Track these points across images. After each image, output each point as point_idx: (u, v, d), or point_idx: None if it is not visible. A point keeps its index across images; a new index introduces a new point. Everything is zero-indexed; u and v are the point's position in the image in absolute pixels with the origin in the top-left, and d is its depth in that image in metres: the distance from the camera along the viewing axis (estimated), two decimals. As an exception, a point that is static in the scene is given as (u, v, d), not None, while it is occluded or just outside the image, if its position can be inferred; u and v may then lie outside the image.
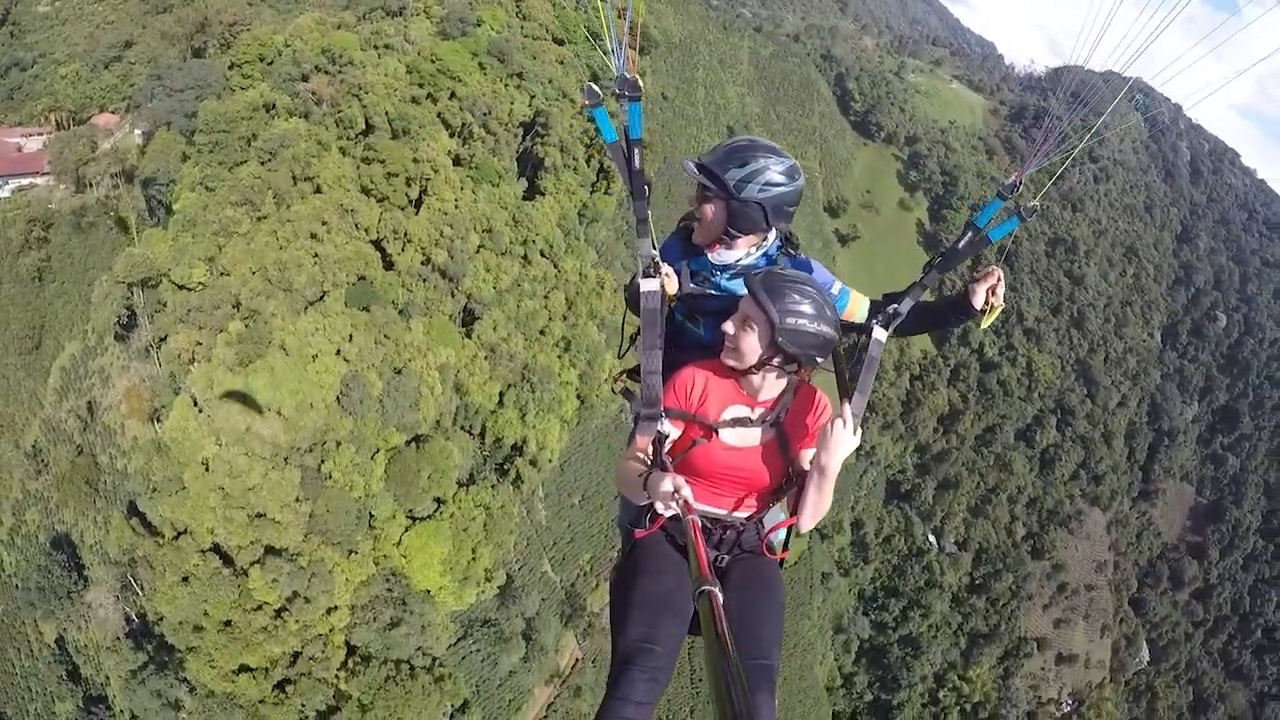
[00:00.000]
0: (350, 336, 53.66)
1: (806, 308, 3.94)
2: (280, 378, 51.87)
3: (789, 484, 4.32)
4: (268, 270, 53.50)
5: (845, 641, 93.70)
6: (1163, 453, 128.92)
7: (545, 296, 63.18)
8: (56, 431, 58.01)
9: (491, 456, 59.81)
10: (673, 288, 4.60)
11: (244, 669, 51.53)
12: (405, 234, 57.36)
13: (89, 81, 72.80)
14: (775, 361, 4.06)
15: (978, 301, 4.56)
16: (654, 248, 4.52)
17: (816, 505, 4.16)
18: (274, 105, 59.44)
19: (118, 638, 52.95)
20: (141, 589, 52.08)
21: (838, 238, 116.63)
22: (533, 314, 61.82)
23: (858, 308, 4.79)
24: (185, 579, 50.46)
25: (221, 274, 54.40)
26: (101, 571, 53.18)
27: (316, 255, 54.31)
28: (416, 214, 58.71)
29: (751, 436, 4.29)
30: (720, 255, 4.60)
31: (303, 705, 53.13)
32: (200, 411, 51.81)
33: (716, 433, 4.25)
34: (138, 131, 67.48)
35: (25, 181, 68.33)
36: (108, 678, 53.84)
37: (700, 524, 3.76)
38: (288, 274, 53.37)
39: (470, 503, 56.45)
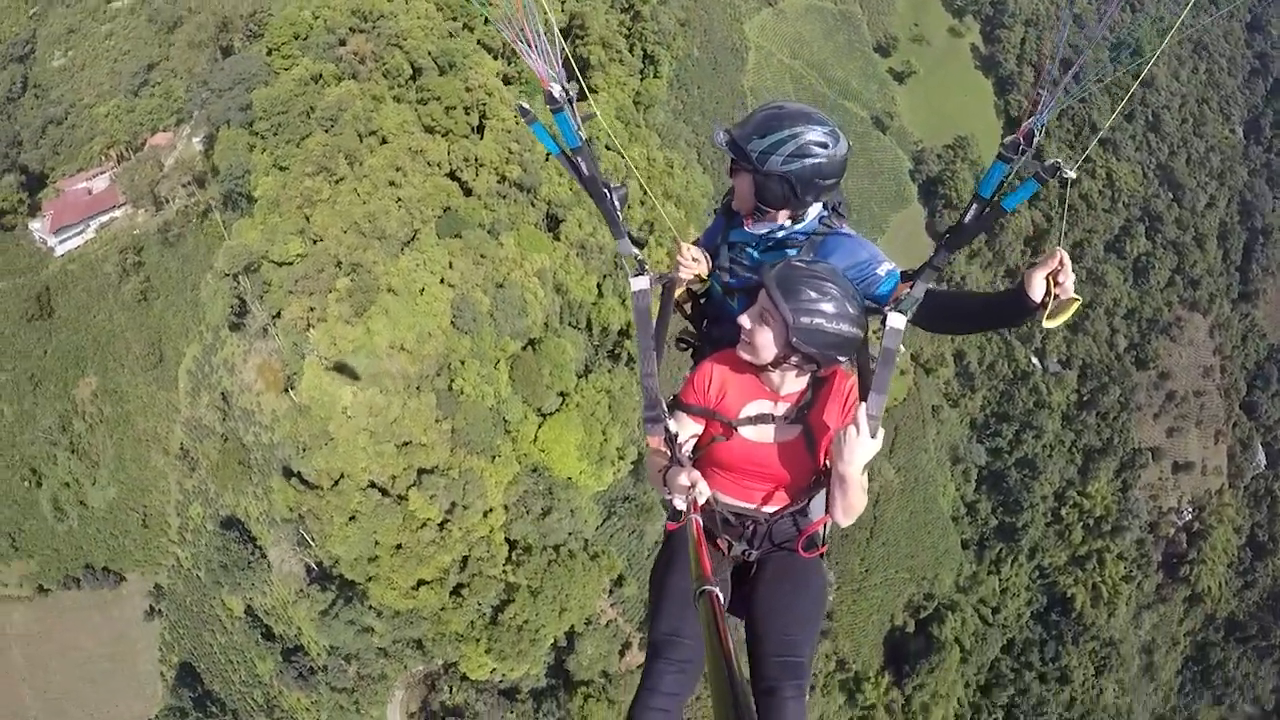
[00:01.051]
0: (450, 264, 58.53)
1: (826, 306, 3.80)
2: (396, 316, 56.90)
3: (820, 479, 4.30)
4: (358, 225, 58.31)
5: (964, 470, 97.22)
6: (1259, 251, 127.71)
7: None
8: (199, 429, 63.34)
9: (601, 345, 64.88)
10: (702, 270, 4.63)
11: (421, 583, 57.71)
12: (476, 159, 61.95)
13: (131, 110, 76.91)
14: (792, 360, 3.99)
15: (1036, 292, 3.76)
16: (633, 246, 4.53)
17: (847, 506, 4.09)
18: (321, 75, 63.46)
19: (300, 589, 58.78)
20: (313, 540, 57.69)
21: (894, 76, 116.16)
22: None
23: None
24: (352, 518, 55.96)
25: (315, 241, 58.97)
26: (274, 534, 58.70)
27: (399, 199, 59.14)
28: (481, 139, 63.19)
29: (776, 432, 4.27)
30: (755, 226, 4.57)
31: (479, 603, 59.57)
32: (331, 367, 56.99)
33: (736, 430, 4.27)
34: (196, 139, 71.61)
35: (105, 218, 71.81)
36: (299, 628, 60.02)
37: (704, 525, 3.80)
38: (378, 223, 58.22)
39: (592, 390, 61.79)
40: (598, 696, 64.78)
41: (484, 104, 63.99)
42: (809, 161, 4.14)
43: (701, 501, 3.88)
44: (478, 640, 60.94)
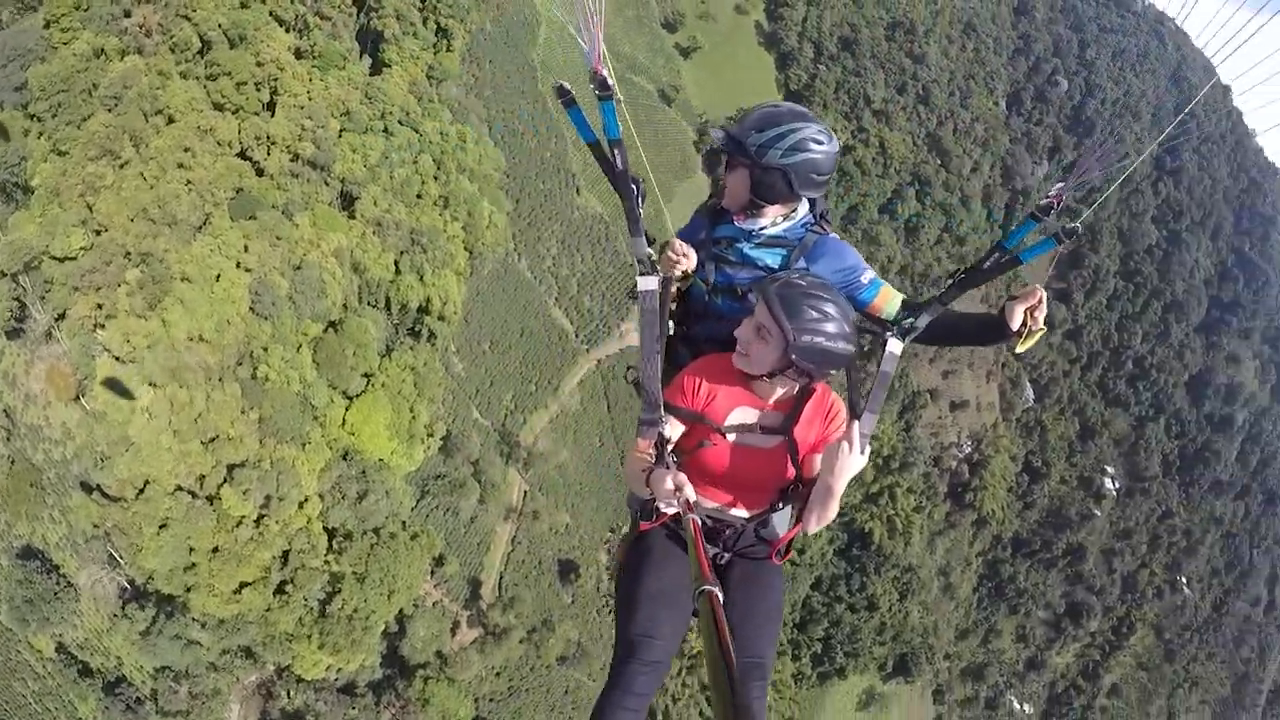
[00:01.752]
0: (245, 247, 57.66)
1: (827, 326, 3.96)
2: (192, 305, 55.35)
3: (797, 488, 4.44)
4: (146, 211, 56.11)
5: None
6: (1018, 209, 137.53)
7: (414, 162, 68.05)
8: (-24, 456, 58.44)
9: (401, 323, 65.83)
10: (690, 265, 4.71)
11: (243, 586, 56.44)
12: (268, 137, 61.23)
13: None
14: (788, 373, 4.12)
15: (1015, 322, 4.38)
16: (648, 246, 4.54)
17: (821, 516, 4.24)
18: (104, 50, 60.24)
19: (115, 613, 55.91)
20: (122, 557, 55.02)
21: (679, 52, 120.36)
22: (406, 181, 66.79)
23: (887, 303, 4.73)
24: (163, 526, 53.68)
25: (100, 231, 56.07)
26: (79, 558, 55.42)
27: (189, 182, 57.66)
28: (273, 116, 62.50)
29: (759, 440, 4.38)
30: (746, 222, 4.68)
31: (305, 598, 59.00)
32: (124, 364, 54.53)
33: (723, 435, 4.37)
34: (-44, 127, 67.11)
35: None
36: (118, 657, 56.83)
37: (701, 522, 3.94)
38: (167, 208, 56.32)
39: (396, 368, 62.73)
40: (436, 677, 66.01)
41: (275, 79, 63.06)
42: (806, 156, 4.39)
43: (688, 503, 3.93)
44: (309, 637, 60.18)
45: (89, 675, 56.98)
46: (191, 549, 54.94)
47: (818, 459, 4.31)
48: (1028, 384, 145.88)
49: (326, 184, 63.50)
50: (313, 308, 59.13)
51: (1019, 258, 4.40)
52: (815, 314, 3.95)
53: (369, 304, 63.41)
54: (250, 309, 57.28)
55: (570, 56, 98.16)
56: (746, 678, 3.99)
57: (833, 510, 4.21)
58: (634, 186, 4.38)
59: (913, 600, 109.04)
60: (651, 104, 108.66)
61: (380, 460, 62.23)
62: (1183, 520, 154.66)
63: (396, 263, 64.79)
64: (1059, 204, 4.05)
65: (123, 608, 55.81)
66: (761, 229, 4.66)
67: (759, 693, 4.04)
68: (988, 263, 4.48)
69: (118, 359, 54.20)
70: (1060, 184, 4.02)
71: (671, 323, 4.98)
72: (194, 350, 55.60)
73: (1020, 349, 4.51)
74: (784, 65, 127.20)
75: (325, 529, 60.53)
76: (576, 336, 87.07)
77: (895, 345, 4.52)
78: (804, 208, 4.74)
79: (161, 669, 57.19)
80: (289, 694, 62.09)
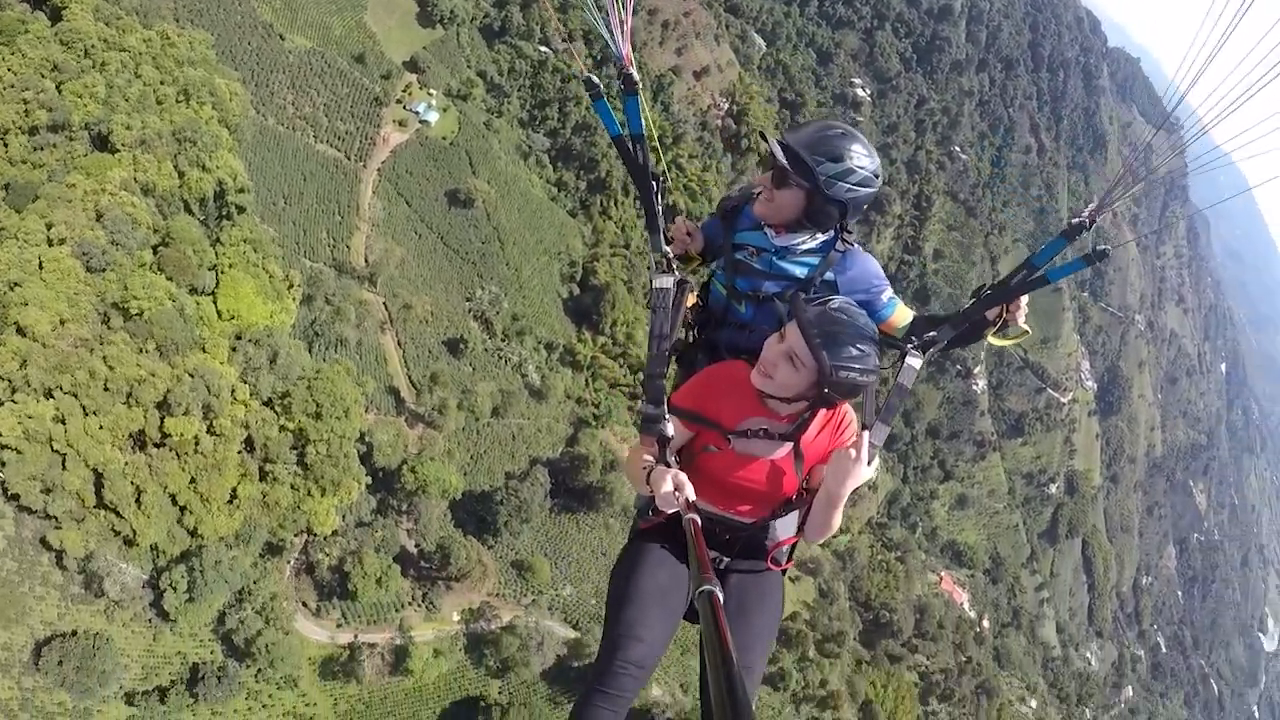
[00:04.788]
0: (48, 225, 63.69)
1: (864, 362, 4.06)
2: (40, 300, 60.04)
3: (801, 497, 4.61)
4: None
5: (536, 159, 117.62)
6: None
7: (137, 76, 74.90)
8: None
9: (210, 213, 74.93)
10: (695, 247, 5.03)
11: (234, 491, 65.85)
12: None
13: None
14: (810, 398, 4.26)
15: (990, 313, 4.66)
16: (666, 244, 4.81)
17: (823, 526, 4.44)
18: None
19: (138, 597, 63.48)
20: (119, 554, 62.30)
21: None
22: (142, 95, 74.11)
23: (900, 320, 4.89)
24: (137, 500, 61.13)
25: None
26: (99, 587, 60.99)
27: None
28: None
29: (766, 449, 4.52)
30: (783, 238, 4.80)
31: (285, 465, 68.46)
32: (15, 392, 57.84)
33: (729, 441, 4.51)
34: None
35: None
36: (179, 653, 64.26)
37: (701, 523, 3.93)
38: None
39: (231, 248, 72.52)
40: (418, 465, 77.86)
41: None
42: (867, 191, 4.56)
43: (687, 503, 4.02)
44: (308, 493, 69.26)
45: (164, 695, 63.63)
46: (173, 497, 62.78)
47: (824, 469, 4.41)
48: (754, 34, 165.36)
49: (71, 139, 69.60)
50: (134, 240, 66.55)
51: (1047, 277, 4.52)
52: (855, 351, 4.04)
53: (176, 211, 71.76)
54: (87, 270, 63.62)
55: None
56: None
57: (836, 522, 4.43)
58: (655, 183, 4.62)
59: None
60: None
61: (266, 326, 72.12)
62: (938, 101, 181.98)
63: (176, 167, 72.42)
64: (1091, 224, 4.20)
65: (143, 590, 63.82)
66: (798, 244, 4.79)
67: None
68: (1015, 280, 4.58)
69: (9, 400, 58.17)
70: (1092, 205, 4.19)
71: (691, 330, 5.25)
72: (63, 334, 60.85)
73: (998, 342, 4.79)
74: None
75: (265, 403, 69.41)
76: (349, 159, 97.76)
77: (916, 360, 4.70)
78: None
79: (221, 616, 66.58)
80: (325, 554, 72.77)
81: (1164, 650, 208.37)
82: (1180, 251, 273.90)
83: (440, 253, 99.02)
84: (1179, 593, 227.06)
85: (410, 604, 76.78)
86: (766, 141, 4.60)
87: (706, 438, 4.57)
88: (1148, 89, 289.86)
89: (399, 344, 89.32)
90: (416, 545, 78.55)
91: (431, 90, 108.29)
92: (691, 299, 5.01)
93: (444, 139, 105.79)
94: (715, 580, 2.77)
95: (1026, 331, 4.71)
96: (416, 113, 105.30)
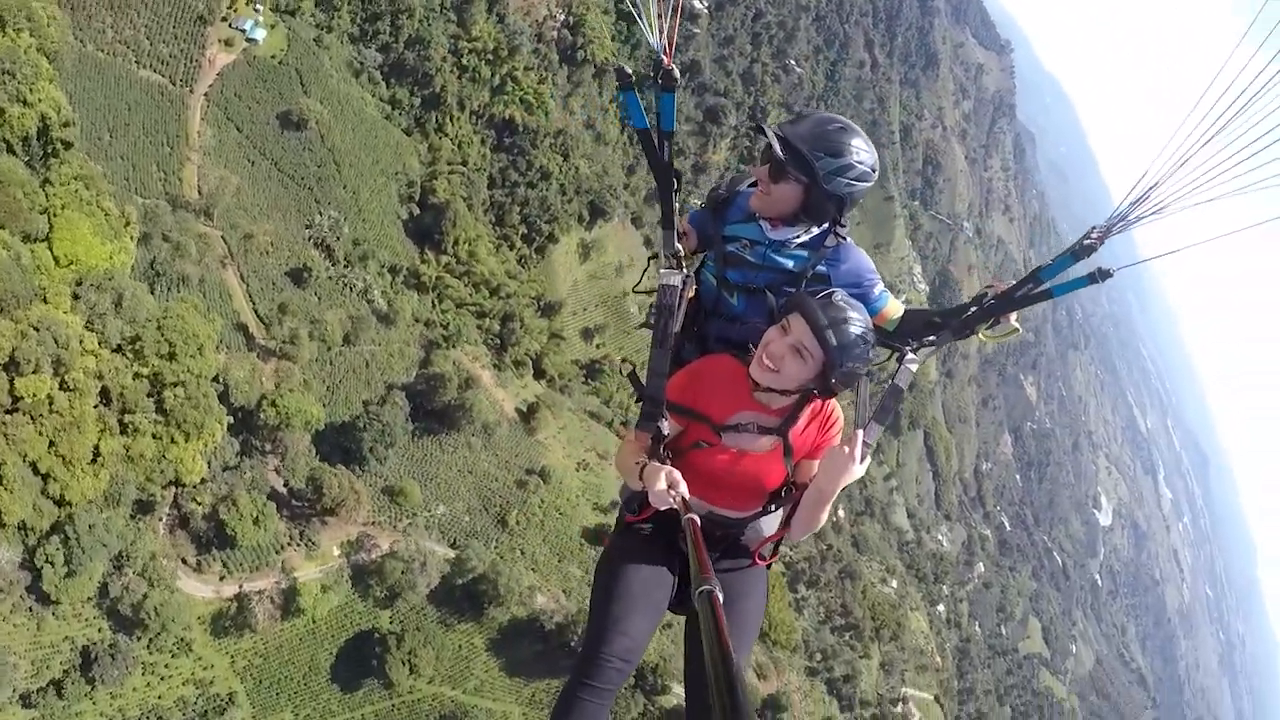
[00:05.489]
0: None
1: (866, 354, 4.23)
2: None
3: (788, 492, 4.66)
4: None
5: (369, 76, 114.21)
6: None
7: None
8: None
9: (35, 151, 71.54)
10: (689, 245, 5.02)
11: (96, 448, 64.35)
12: None
13: None
14: (810, 390, 4.37)
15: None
16: (679, 242, 4.77)
17: (810, 522, 4.49)
18: None
19: (14, 581, 62.20)
20: None
21: None
22: None
23: (892, 313, 5.02)
24: None
25: None
26: None
27: None
28: None
29: (756, 443, 4.58)
30: (778, 231, 4.87)
31: (144, 413, 67.61)
32: None
33: (719, 436, 4.57)
34: None
35: None
36: (66, 638, 64.06)
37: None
38: None
39: (62, 186, 70.06)
40: (278, 399, 77.94)
41: None
42: (864, 185, 4.62)
43: (684, 501, 4.05)
44: (171, 440, 68.20)
45: (59, 688, 63.46)
46: (34, 465, 61.04)
47: (813, 464, 4.48)
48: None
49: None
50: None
51: (1052, 291, 4.60)
52: (860, 342, 4.19)
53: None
54: None
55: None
56: None
57: (822, 518, 4.47)
58: (676, 180, 4.61)
59: (576, 156, 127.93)
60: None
61: (107, 269, 70.33)
62: (775, 16, 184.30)
63: (-4, 106, 69.00)
64: (1101, 244, 4.27)
65: (20, 570, 62.27)
66: (793, 237, 4.85)
67: None
68: (1020, 292, 4.67)
69: None
70: (1101, 228, 4.25)
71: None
72: None
73: (986, 338, 4.94)
74: None
75: (115, 349, 67.59)
76: (174, 84, 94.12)
77: (914, 364, 4.79)
78: None
79: (103, 588, 65.83)
80: (197, 502, 72.39)
81: (1009, 529, 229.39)
82: (1007, 165, 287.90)
83: (276, 179, 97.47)
84: (1017, 476, 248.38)
85: (289, 544, 78.03)
86: (765, 134, 4.69)
87: (695, 432, 4.66)
88: (981, 12, 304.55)
89: (242, 278, 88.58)
90: (286, 484, 79.67)
91: (258, 6, 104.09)
92: (691, 292, 5.05)
93: (273, 58, 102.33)
94: (716, 581, 2.73)
95: (1017, 329, 4.90)
96: (243, 30, 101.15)
